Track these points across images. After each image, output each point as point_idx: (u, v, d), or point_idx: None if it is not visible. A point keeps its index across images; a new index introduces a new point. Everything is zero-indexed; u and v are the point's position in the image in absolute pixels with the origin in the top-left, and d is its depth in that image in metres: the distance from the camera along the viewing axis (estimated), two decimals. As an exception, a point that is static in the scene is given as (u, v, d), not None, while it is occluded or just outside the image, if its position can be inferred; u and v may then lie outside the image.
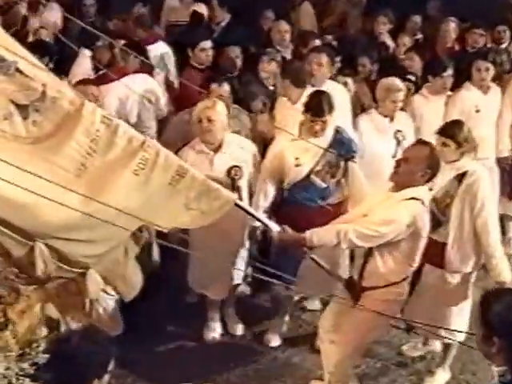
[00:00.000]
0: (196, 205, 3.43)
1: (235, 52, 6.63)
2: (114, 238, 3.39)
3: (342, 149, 4.64)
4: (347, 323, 4.02)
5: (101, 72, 6.00)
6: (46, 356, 3.03)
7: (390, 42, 7.75)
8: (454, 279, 4.56)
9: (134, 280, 3.65)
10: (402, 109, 5.64)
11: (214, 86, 5.28)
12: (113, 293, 4.41)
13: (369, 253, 3.98)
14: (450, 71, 6.05)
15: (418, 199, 3.90)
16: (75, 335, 2.80)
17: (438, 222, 4.46)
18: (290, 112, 5.31)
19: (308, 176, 4.57)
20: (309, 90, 5.31)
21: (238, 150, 4.67)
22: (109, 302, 4.62)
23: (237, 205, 3.57)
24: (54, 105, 3.19)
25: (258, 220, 3.82)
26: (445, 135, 4.51)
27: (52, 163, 3.20)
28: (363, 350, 4.23)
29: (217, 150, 4.60)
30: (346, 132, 4.79)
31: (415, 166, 3.93)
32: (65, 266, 3.32)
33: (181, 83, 6.43)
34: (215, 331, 5.06)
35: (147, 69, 6.24)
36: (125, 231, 3.40)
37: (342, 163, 4.63)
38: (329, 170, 4.58)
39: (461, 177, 4.46)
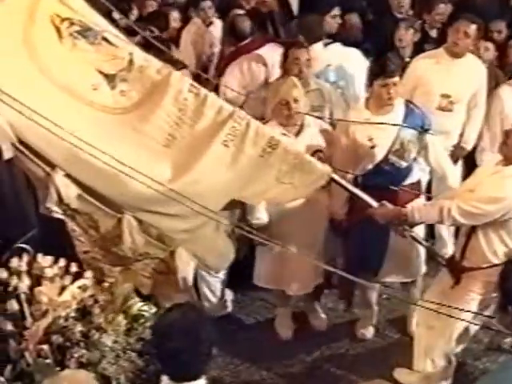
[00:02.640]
0: (288, 179, 3.28)
1: (355, 19, 6.28)
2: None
3: (416, 123, 4.24)
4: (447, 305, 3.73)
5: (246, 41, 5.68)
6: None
7: (525, 5, 7.15)
8: None
9: (225, 253, 3.56)
10: None
11: (296, 51, 4.61)
12: (219, 274, 4.36)
13: (472, 231, 3.68)
14: None
15: None
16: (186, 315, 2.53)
17: None
18: None
19: (386, 157, 4.22)
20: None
21: (318, 133, 4.34)
22: (215, 283, 4.54)
23: (332, 179, 3.40)
24: (141, 74, 3.13)
25: (356, 195, 3.59)
26: None
27: (141, 133, 3.14)
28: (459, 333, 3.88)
29: (298, 132, 4.29)
30: (416, 106, 4.38)
31: None
32: (154, 241, 3.28)
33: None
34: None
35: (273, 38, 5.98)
36: (216, 205, 3.31)
37: (419, 138, 4.24)
38: (406, 147, 4.21)
39: None
